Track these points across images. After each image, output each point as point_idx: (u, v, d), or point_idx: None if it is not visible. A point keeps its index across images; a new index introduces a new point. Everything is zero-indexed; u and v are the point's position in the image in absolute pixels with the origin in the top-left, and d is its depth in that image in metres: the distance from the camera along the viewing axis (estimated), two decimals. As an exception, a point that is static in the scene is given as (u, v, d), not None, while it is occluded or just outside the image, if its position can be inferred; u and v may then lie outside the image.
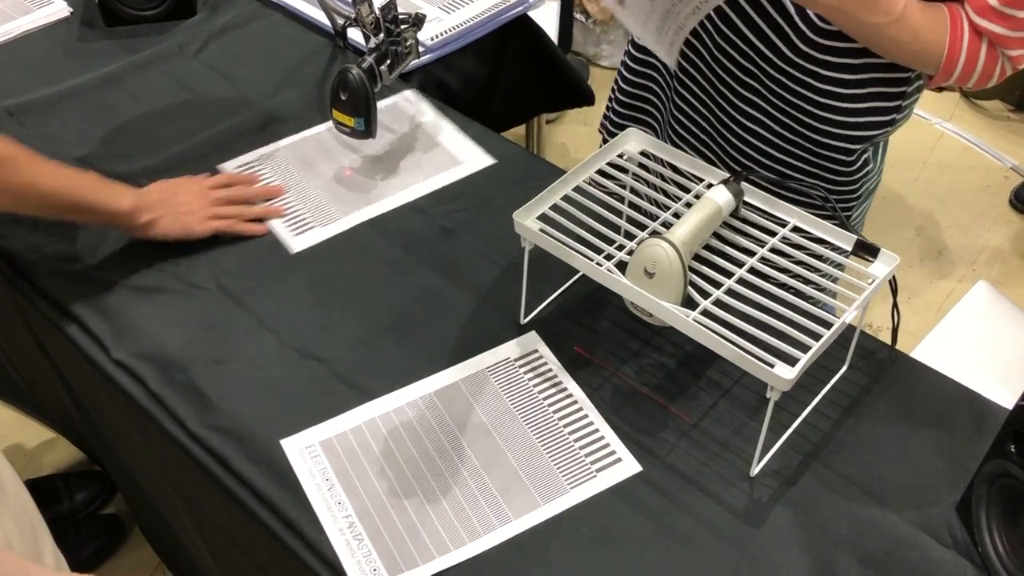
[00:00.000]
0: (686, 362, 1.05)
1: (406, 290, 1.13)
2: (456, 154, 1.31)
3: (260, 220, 1.21)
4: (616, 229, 1.00)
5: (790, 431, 0.97)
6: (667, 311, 0.89)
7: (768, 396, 0.87)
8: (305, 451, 0.96)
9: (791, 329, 0.89)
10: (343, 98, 1.22)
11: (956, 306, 1.46)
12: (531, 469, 0.95)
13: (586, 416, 0.99)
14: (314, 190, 1.26)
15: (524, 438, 0.97)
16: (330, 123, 1.29)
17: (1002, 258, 2.44)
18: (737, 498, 0.92)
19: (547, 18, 2.18)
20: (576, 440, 0.97)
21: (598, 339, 1.07)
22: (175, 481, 1.15)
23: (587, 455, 0.96)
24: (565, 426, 0.98)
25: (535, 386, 1.02)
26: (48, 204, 1.07)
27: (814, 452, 0.96)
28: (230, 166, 1.30)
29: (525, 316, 1.09)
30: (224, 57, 1.51)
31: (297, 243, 1.19)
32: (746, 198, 0.99)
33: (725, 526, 0.90)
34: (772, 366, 0.84)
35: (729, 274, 0.94)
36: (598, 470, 0.94)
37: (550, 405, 1.00)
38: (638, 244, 0.93)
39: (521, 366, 1.04)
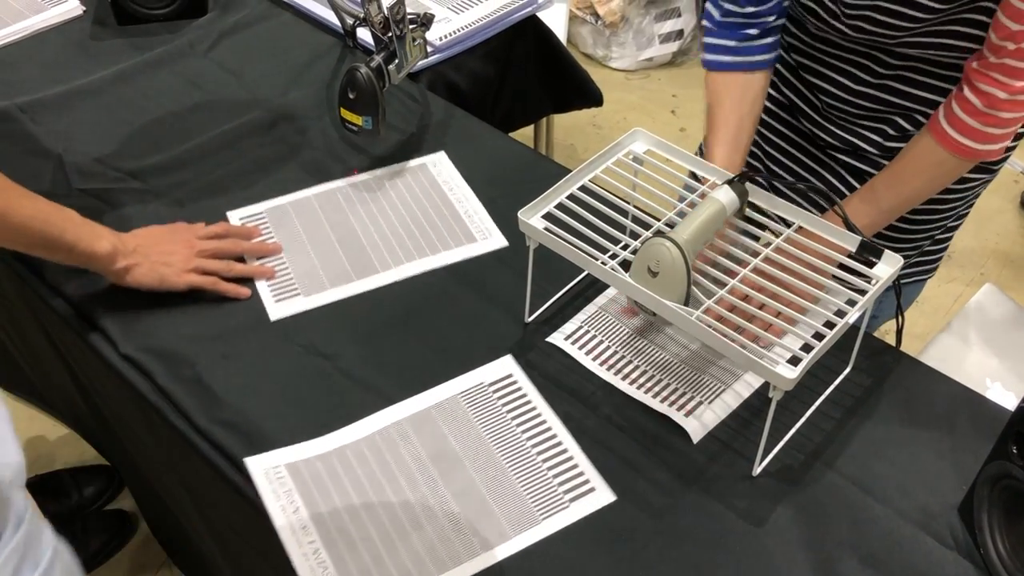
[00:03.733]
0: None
1: (411, 288, 1.14)
2: (472, 230, 1.20)
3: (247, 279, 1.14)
4: (621, 228, 1.00)
5: (793, 431, 0.98)
6: (670, 310, 0.89)
7: (771, 396, 0.87)
8: (271, 471, 0.94)
9: (794, 329, 0.89)
10: (351, 97, 1.23)
11: (963, 308, 1.46)
12: (502, 500, 0.92)
13: (560, 444, 0.97)
14: (311, 254, 1.17)
15: (496, 467, 0.95)
16: (349, 179, 1.26)
17: (1011, 262, 2.43)
18: (739, 497, 0.93)
19: (555, 19, 2.18)
20: (549, 469, 0.94)
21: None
22: (182, 475, 1.16)
23: (560, 484, 0.93)
24: (539, 454, 0.96)
25: (508, 412, 0.99)
26: (21, 237, 1.00)
27: (817, 452, 0.96)
28: (235, 216, 1.22)
29: (530, 315, 1.09)
30: (234, 56, 1.52)
31: (276, 311, 1.10)
32: (750, 198, 0.99)
33: (727, 525, 0.90)
34: (775, 365, 0.84)
35: (733, 273, 0.94)
36: (571, 500, 0.92)
37: (524, 432, 0.97)
38: (642, 243, 0.93)
39: (495, 391, 1.01)
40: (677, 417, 0.98)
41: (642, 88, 2.98)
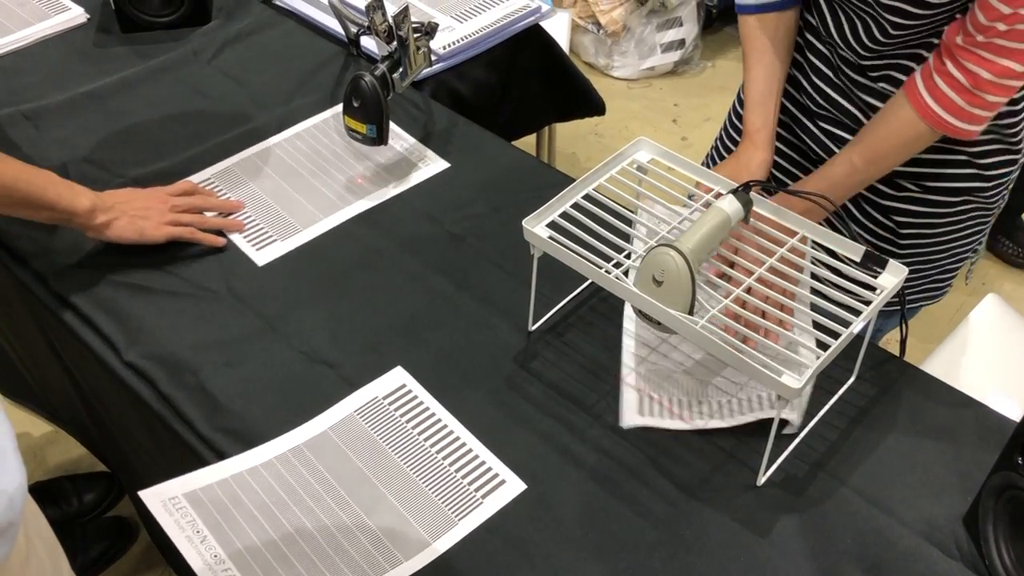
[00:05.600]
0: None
1: (416, 296, 1.14)
2: (414, 160, 1.32)
3: (219, 232, 1.21)
4: (625, 237, 1.00)
5: (797, 440, 0.97)
6: (675, 319, 0.89)
7: (775, 406, 0.87)
8: (169, 503, 0.92)
9: (798, 338, 0.89)
10: (355, 105, 1.23)
11: (965, 319, 1.46)
12: (415, 507, 0.92)
13: (464, 444, 0.97)
14: (272, 203, 1.25)
15: (403, 477, 0.94)
16: (287, 133, 1.34)
17: (1013, 272, 2.43)
18: (743, 507, 0.92)
19: (558, 28, 2.19)
20: (457, 470, 0.94)
21: (606, 346, 1.07)
22: (183, 483, 1.15)
23: (470, 483, 0.93)
24: (444, 458, 0.95)
25: (407, 421, 0.99)
26: (6, 198, 1.05)
27: (821, 462, 0.96)
28: (195, 179, 1.29)
29: (533, 323, 1.09)
30: (238, 64, 1.52)
31: (260, 257, 1.18)
32: (755, 208, 0.99)
33: (731, 535, 0.90)
34: (779, 375, 0.84)
35: (737, 283, 0.94)
36: (483, 496, 0.92)
37: (426, 439, 0.97)
38: (647, 252, 0.93)
39: (391, 403, 1.01)
40: (780, 414, 0.92)
41: (644, 97, 2.98)
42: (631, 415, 1.00)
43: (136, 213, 1.16)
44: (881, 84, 1.10)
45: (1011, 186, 1.22)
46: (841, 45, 1.11)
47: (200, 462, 0.99)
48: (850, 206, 1.22)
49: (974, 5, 0.94)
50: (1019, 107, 1.10)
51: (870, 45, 1.06)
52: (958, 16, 0.99)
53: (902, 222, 1.19)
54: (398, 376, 1.03)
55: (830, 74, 1.16)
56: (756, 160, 1.15)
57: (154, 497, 0.93)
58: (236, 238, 1.21)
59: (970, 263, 1.34)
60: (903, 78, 1.07)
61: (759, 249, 0.98)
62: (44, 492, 1.75)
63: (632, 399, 1.01)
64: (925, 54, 1.04)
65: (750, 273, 0.95)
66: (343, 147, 1.33)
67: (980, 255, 1.34)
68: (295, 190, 1.27)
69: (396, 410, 1.00)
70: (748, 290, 0.94)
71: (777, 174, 1.30)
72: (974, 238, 1.24)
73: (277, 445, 0.97)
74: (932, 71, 1.00)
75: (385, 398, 1.01)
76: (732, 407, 0.99)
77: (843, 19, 1.08)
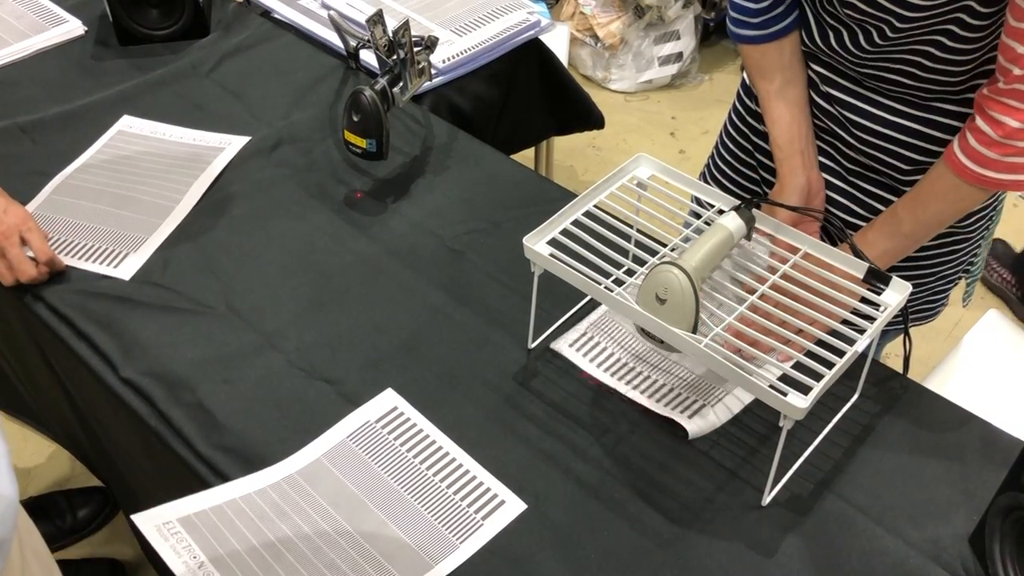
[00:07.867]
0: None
1: (415, 312, 1.13)
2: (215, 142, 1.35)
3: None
4: (625, 253, 1.00)
5: (801, 460, 0.97)
6: (679, 337, 0.88)
7: (780, 424, 0.86)
8: (163, 527, 0.91)
9: (803, 357, 0.89)
10: (355, 119, 1.22)
11: (967, 335, 1.45)
12: (415, 532, 0.90)
13: (460, 465, 0.96)
14: (100, 220, 1.24)
15: (401, 502, 0.93)
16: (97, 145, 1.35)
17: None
18: (748, 527, 0.91)
19: (557, 42, 2.19)
20: (455, 492, 0.93)
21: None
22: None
23: (469, 504, 0.92)
24: (441, 480, 0.94)
25: (401, 444, 0.98)
26: None
27: (825, 481, 0.95)
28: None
29: (533, 340, 1.09)
30: (236, 77, 1.52)
31: (123, 272, 1.17)
32: (757, 224, 0.99)
33: (735, 555, 0.89)
34: (785, 395, 0.84)
35: (740, 300, 0.94)
36: (483, 518, 0.91)
37: (421, 462, 0.96)
38: (649, 270, 0.92)
39: (383, 427, 0.99)
40: (679, 418, 0.98)
41: (641, 110, 2.98)
42: (562, 343, 1.07)
43: None
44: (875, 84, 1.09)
45: (999, 206, 1.21)
46: (831, 55, 1.10)
47: (197, 480, 0.98)
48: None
49: (998, 51, 0.93)
50: None
51: (859, 54, 1.06)
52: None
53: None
54: (389, 399, 1.02)
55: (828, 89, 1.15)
56: (788, 189, 1.14)
57: (148, 521, 0.91)
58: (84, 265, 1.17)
59: (967, 283, 1.32)
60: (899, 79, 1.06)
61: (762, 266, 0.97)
62: (38, 507, 1.73)
63: (574, 335, 1.08)
64: (921, 59, 1.03)
65: (752, 290, 0.95)
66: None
67: (977, 275, 1.32)
68: (117, 207, 1.26)
69: (389, 433, 0.99)
70: (751, 307, 0.94)
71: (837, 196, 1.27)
72: (962, 260, 1.24)
73: (270, 474, 0.96)
74: (965, 129, 0.99)
75: (377, 421, 1.00)
76: (665, 393, 1.01)
77: (829, 30, 1.08)
